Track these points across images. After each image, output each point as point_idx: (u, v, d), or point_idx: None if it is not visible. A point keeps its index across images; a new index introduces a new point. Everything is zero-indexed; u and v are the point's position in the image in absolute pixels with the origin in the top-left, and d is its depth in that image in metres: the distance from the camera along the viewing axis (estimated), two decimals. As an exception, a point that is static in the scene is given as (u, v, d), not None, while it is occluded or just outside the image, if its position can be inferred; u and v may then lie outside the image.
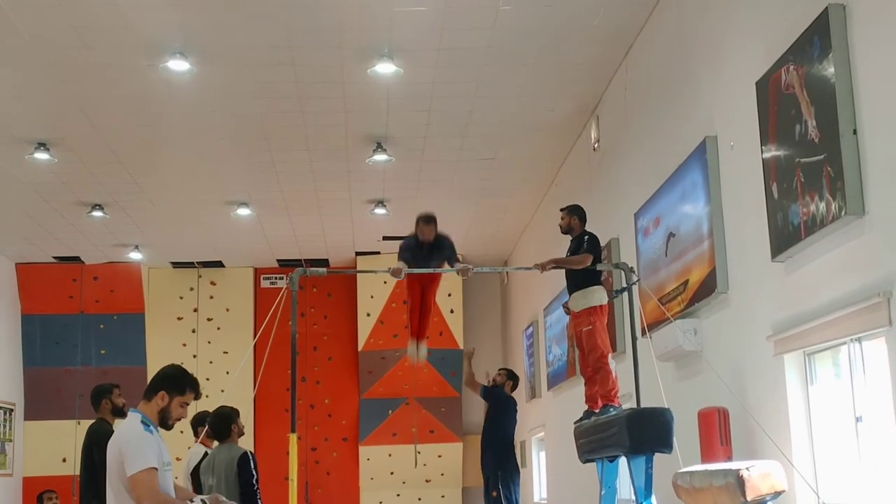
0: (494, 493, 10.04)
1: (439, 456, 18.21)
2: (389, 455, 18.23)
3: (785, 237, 6.34)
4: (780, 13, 6.55)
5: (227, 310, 18.90)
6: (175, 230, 16.43)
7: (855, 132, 5.56)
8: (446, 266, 8.79)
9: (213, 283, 19.05)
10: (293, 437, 7.64)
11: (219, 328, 18.81)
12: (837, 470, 6.15)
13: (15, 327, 17.97)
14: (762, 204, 6.69)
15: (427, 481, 18.32)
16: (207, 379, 15.28)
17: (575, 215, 8.22)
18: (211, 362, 18.05)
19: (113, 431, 7.09)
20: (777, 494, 5.72)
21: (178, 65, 10.04)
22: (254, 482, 7.36)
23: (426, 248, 8.71)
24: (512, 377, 10.55)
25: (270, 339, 8.63)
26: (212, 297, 18.99)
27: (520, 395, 12.54)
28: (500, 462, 10.12)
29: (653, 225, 9.23)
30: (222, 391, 9.16)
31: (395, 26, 9.52)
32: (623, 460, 7.46)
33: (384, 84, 10.72)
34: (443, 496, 18.43)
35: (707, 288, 7.77)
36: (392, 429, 18.23)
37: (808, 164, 6.00)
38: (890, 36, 5.24)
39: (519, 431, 11.55)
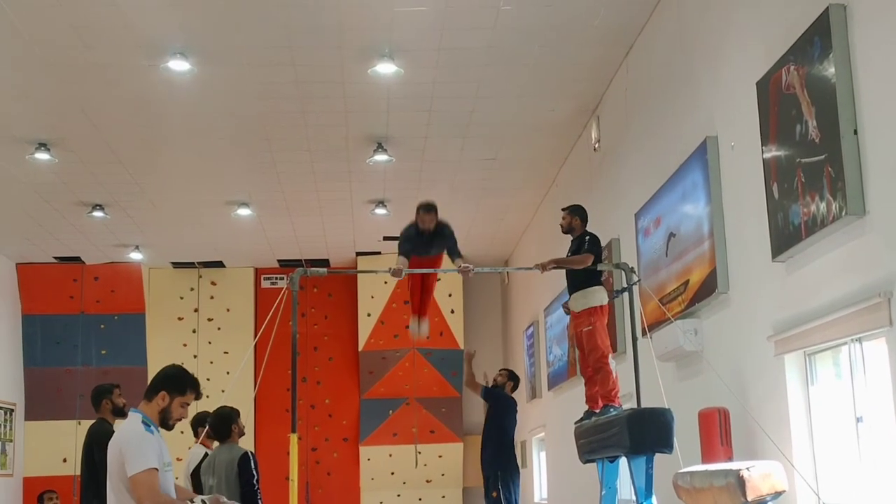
0: (494, 494, 10.03)
1: (440, 456, 18.22)
2: (390, 455, 18.23)
3: (785, 237, 6.34)
4: (780, 13, 6.55)
5: (228, 310, 18.90)
6: (176, 230, 16.44)
7: (856, 132, 5.55)
8: (448, 266, 8.77)
9: (213, 284, 19.06)
10: (294, 438, 7.64)
11: (219, 328, 18.81)
12: (838, 470, 6.14)
13: (15, 327, 17.97)
14: (763, 204, 6.69)
15: (428, 481, 18.32)
16: (208, 379, 15.27)
17: (577, 216, 8.22)
18: (211, 362, 18.06)
19: (113, 431, 7.09)
20: (777, 495, 5.73)
21: (179, 65, 10.04)
22: (254, 482, 7.36)
23: (427, 236, 8.67)
24: (513, 378, 10.55)
25: (271, 339, 8.63)
26: (212, 298, 18.99)
27: (520, 395, 12.54)
28: (500, 462, 10.12)
29: (653, 225, 9.23)
30: (223, 391, 9.16)
31: (395, 26, 9.52)
32: (623, 460, 7.46)
33: (385, 84, 10.72)
34: (443, 496, 18.43)
35: (707, 288, 7.77)
36: (392, 429, 18.24)
37: (808, 165, 6.00)
38: (891, 36, 5.24)
39: (519, 432, 11.55)
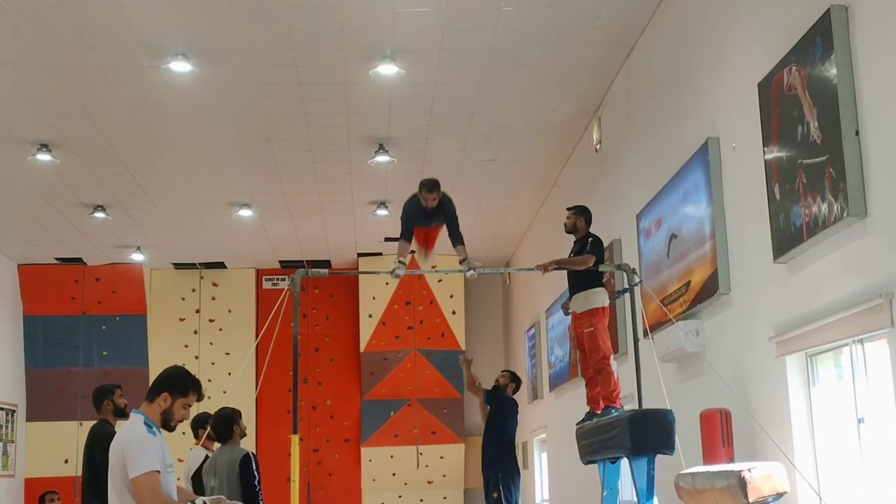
0: (495, 494, 10.03)
1: (441, 457, 18.22)
2: (391, 456, 18.23)
3: (787, 238, 6.34)
4: (782, 14, 6.55)
5: (229, 311, 18.91)
6: (177, 231, 16.44)
7: (857, 133, 5.55)
8: (451, 266, 8.66)
9: (214, 285, 19.06)
10: (295, 439, 7.64)
11: (221, 329, 18.82)
12: (839, 471, 6.14)
13: (17, 328, 17.98)
14: (764, 205, 6.69)
15: (429, 483, 18.32)
16: (209, 380, 15.22)
17: (582, 217, 8.22)
18: (213, 363, 18.06)
19: (115, 432, 7.08)
20: (779, 496, 5.73)
21: (181, 66, 10.05)
22: (255, 483, 7.36)
23: (429, 212, 8.52)
24: (515, 380, 10.54)
25: (272, 340, 8.63)
26: (214, 299, 19.00)
27: (522, 396, 12.53)
28: (500, 463, 10.11)
29: (655, 226, 9.23)
30: (224, 392, 9.16)
31: (397, 27, 9.52)
32: (625, 462, 7.45)
33: (386, 85, 10.73)
34: (445, 497, 18.43)
35: (709, 289, 7.77)
36: (394, 430, 18.23)
37: (810, 166, 6.00)
38: (892, 37, 5.23)
39: (521, 433, 11.55)
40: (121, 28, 9.38)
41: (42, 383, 17.93)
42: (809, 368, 6.51)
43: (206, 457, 8.23)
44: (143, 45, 9.75)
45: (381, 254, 17.75)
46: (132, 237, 16.61)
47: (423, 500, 18.37)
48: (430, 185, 8.19)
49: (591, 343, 7.86)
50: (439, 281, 18.30)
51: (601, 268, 8.01)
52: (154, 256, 17.96)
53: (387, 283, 17.45)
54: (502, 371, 10.95)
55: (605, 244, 9.36)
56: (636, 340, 8.33)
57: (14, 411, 17.52)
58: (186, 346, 18.54)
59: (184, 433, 7.30)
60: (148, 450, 4.77)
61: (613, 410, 7.67)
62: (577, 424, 8.24)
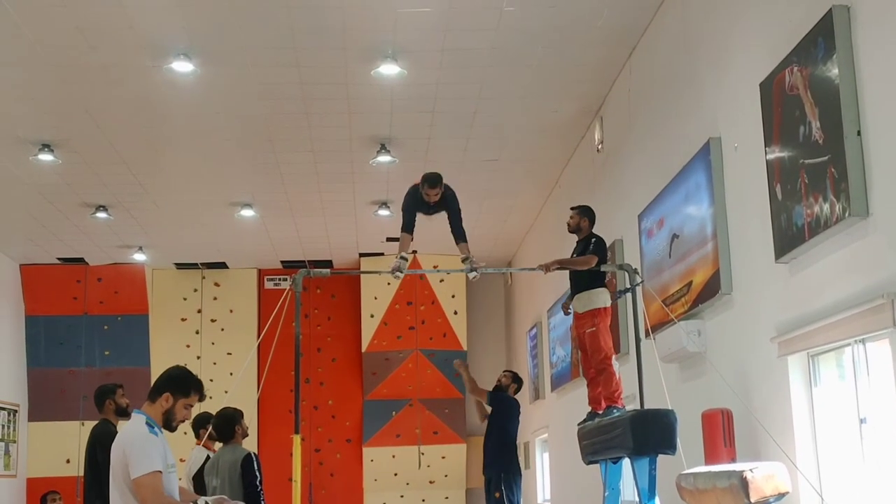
0: (497, 494, 10.02)
1: (443, 457, 18.22)
2: (393, 456, 18.23)
3: (789, 238, 6.33)
4: (784, 14, 6.55)
5: (231, 311, 18.92)
6: (179, 231, 16.45)
7: (859, 133, 5.55)
8: (453, 266, 8.65)
9: (216, 285, 19.07)
10: (297, 439, 7.64)
11: (222, 329, 18.83)
12: (841, 471, 6.14)
13: (19, 328, 17.99)
14: (766, 205, 6.69)
15: (431, 483, 18.33)
16: (211, 380, 15.11)
17: (586, 217, 8.22)
18: (215, 363, 18.08)
19: (116, 432, 7.09)
20: (781, 496, 5.73)
21: (183, 66, 10.05)
22: (257, 483, 7.37)
23: (431, 204, 8.38)
24: (516, 380, 10.54)
25: (274, 340, 8.62)
26: (215, 299, 19.00)
27: (523, 396, 12.53)
28: (501, 463, 10.11)
29: (656, 226, 9.23)
30: (226, 392, 9.16)
31: (398, 27, 9.52)
32: (627, 462, 7.45)
33: (388, 85, 10.73)
34: (446, 497, 18.43)
35: (711, 289, 7.77)
36: (396, 430, 18.24)
37: (812, 166, 5.99)
38: (894, 37, 5.23)
39: (522, 433, 11.54)
40: (123, 28, 9.38)
41: (44, 383, 17.94)
42: (811, 368, 6.50)
43: (208, 457, 8.24)
44: (146, 45, 9.76)
45: (382, 254, 17.75)
46: (134, 237, 16.62)
47: (424, 500, 18.37)
48: (433, 181, 8.03)
49: (593, 343, 7.86)
50: (441, 281, 18.31)
51: (603, 268, 8.01)
52: (156, 256, 17.97)
53: (388, 283, 17.44)
54: (504, 371, 10.95)
55: (607, 244, 9.34)
56: (638, 340, 8.32)
57: (16, 411, 17.53)
58: (188, 346, 18.55)
59: (185, 433, 7.30)
60: (150, 450, 4.77)
61: (615, 410, 7.67)
62: (578, 424, 8.24)
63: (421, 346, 18.17)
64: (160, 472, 4.75)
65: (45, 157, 12.33)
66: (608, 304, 7.97)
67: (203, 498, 5.23)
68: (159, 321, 18.62)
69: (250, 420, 10.19)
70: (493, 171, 13.70)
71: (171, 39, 9.69)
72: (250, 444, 10.97)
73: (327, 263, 18.45)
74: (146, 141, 12.35)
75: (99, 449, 7.47)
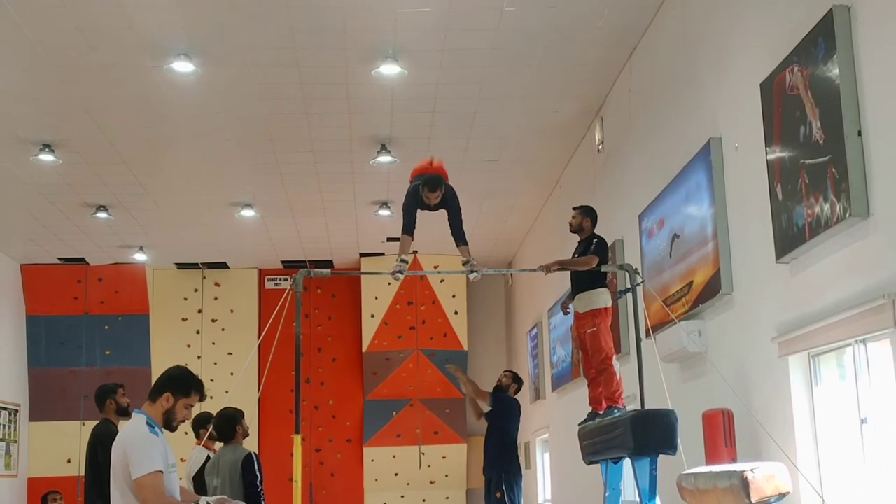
0: (498, 495, 10.02)
1: (443, 457, 18.23)
2: (393, 456, 18.23)
3: (789, 239, 6.33)
4: (784, 14, 6.55)
5: (232, 311, 18.92)
6: (179, 231, 16.45)
7: (860, 133, 5.55)
8: (453, 267, 8.63)
9: (217, 285, 19.07)
10: (297, 439, 7.64)
11: (223, 329, 18.83)
12: (842, 472, 6.13)
13: (20, 328, 17.99)
14: (766, 205, 6.68)
15: (431, 483, 18.33)
16: (212, 380, 15.14)
17: (588, 217, 8.22)
18: (215, 363, 18.08)
19: (117, 432, 7.09)
20: (781, 496, 5.73)
21: (183, 66, 10.05)
22: (258, 483, 7.37)
23: (431, 206, 8.33)
24: (517, 380, 10.53)
25: (275, 340, 8.63)
26: (216, 299, 19.01)
27: (524, 396, 12.53)
28: (502, 464, 10.10)
29: (657, 226, 9.23)
30: (227, 392, 9.17)
31: (399, 28, 9.52)
32: (627, 462, 7.45)
33: (388, 85, 10.73)
34: (447, 497, 18.43)
35: (711, 289, 7.76)
36: (396, 430, 18.24)
37: (812, 166, 5.99)
38: (895, 37, 5.23)
39: (523, 433, 11.53)
40: (123, 28, 9.38)
41: (45, 383, 17.94)
42: (812, 369, 6.50)
43: (208, 457, 8.24)
44: (146, 45, 9.76)
45: (383, 254, 17.76)
46: (134, 237, 16.63)
47: (425, 500, 18.37)
48: (433, 185, 7.97)
49: (594, 343, 7.86)
50: (441, 281, 18.31)
51: (604, 268, 8.01)
52: (156, 256, 17.98)
53: (389, 284, 17.43)
54: (504, 371, 10.94)
55: (608, 244, 9.35)
56: (638, 341, 8.32)
57: (17, 411, 17.54)
58: (189, 346, 18.56)
59: (186, 433, 7.30)
60: (150, 450, 4.77)
61: (616, 411, 7.67)
62: (579, 425, 8.24)
63: (421, 346, 18.18)
64: (161, 472, 4.76)
65: (46, 157, 12.33)
66: (609, 304, 7.97)
67: (204, 498, 5.23)
68: (160, 321, 18.62)
69: (251, 420, 10.19)
70: (493, 171, 13.70)
71: (171, 39, 9.69)
72: (251, 444, 10.98)
73: (328, 263, 18.45)
74: (146, 141, 12.35)
75: (100, 449, 7.48)
